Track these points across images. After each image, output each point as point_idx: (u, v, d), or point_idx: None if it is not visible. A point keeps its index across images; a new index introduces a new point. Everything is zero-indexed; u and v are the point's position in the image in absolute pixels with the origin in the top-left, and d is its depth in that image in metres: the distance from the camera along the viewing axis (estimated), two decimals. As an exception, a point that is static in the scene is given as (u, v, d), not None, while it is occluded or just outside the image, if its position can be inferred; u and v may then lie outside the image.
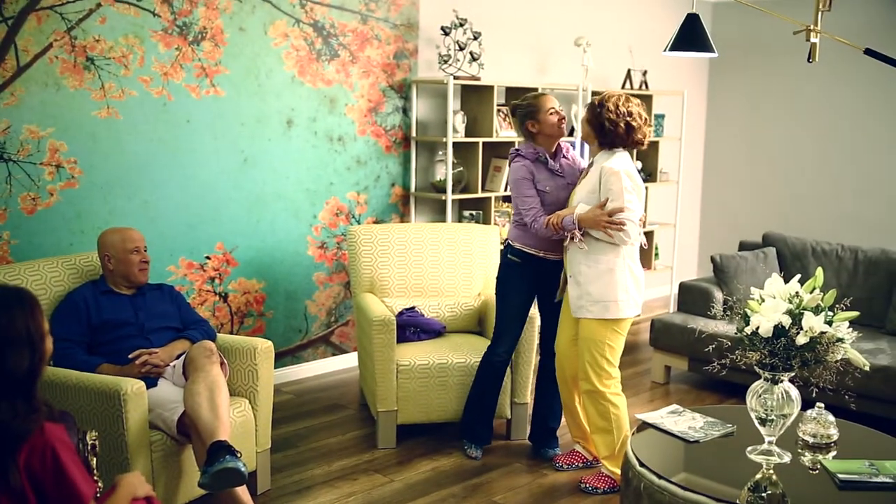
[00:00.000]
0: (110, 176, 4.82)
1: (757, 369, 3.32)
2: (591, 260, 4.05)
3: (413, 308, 5.06)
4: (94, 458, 2.76)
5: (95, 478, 2.73)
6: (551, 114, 4.30)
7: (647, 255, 7.78)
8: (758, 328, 3.21)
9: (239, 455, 3.39)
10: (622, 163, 4.04)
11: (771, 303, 3.23)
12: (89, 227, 4.72)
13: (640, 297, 4.16)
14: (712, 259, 5.97)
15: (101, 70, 4.71)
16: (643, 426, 3.79)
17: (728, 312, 3.46)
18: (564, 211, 4.12)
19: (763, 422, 3.38)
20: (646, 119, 4.12)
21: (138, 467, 3.45)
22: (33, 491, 2.22)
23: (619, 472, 4.04)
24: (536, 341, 4.71)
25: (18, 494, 2.20)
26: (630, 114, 4.06)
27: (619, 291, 4.03)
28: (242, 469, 3.35)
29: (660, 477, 3.22)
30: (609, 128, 4.04)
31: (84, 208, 4.74)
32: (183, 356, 3.88)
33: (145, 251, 4.09)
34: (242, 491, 3.55)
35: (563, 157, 4.38)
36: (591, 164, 4.21)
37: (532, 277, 4.41)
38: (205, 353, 3.75)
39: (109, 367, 3.75)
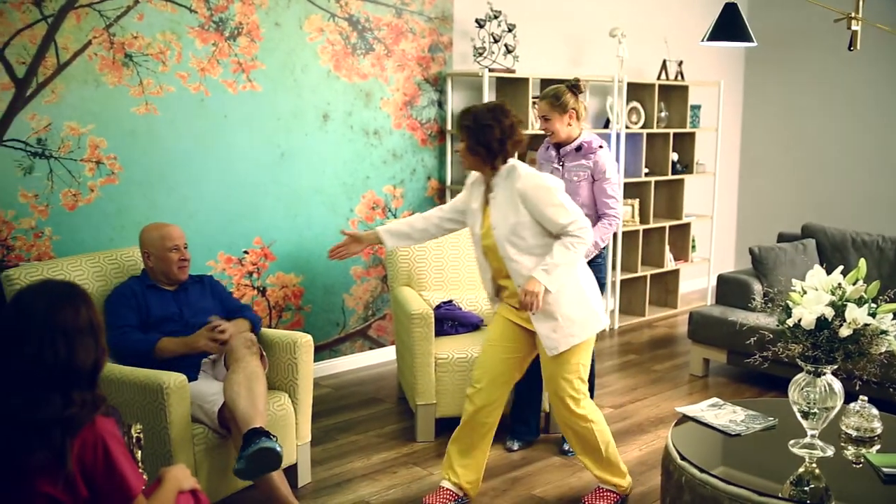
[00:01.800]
0: (149, 172, 4.86)
1: (799, 362, 3.29)
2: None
3: (450, 301, 5.07)
4: (139, 451, 2.79)
5: (140, 470, 2.76)
6: (539, 118, 4.42)
7: (683, 248, 7.73)
8: (800, 320, 3.18)
9: (275, 438, 3.40)
10: (530, 171, 3.64)
11: (813, 294, 3.20)
12: (130, 223, 4.76)
13: (600, 303, 3.80)
14: (751, 251, 5.92)
15: (139, 66, 4.75)
16: (683, 419, 3.77)
17: (769, 304, 3.43)
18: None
19: (805, 415, 3.35)
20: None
21: (181, 460, 3.48)
22: (84, 482, 2.25)
23: (619, 481, 3.95)
24: None
25: (71, 485, 2.23)
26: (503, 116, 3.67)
27: (580, 310, 3.66)
28: (278, 449, 3.36)
29: (702, 471, 3.21)
30: (497, 142, 3.61)
31: (124, 204, 4.78)
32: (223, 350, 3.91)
33: (185, 249, 4.10)
34: (282, 482, 3.58)
35: (579, 149, 4.36)
36: (487, 192, 3.73)
37: None
38: (245, 343, 3.78)
39: (170, 341, 3.79)
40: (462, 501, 3.94)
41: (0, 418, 2.23)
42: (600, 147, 4.38)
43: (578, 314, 3.66)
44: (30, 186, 4.47)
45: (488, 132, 3.59)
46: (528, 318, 3.68)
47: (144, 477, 2.72)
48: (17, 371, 2.24)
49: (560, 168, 4.43)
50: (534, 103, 6.32)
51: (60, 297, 2.31)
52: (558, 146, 4.45)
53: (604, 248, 4.49)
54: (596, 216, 4.41)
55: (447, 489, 3.92)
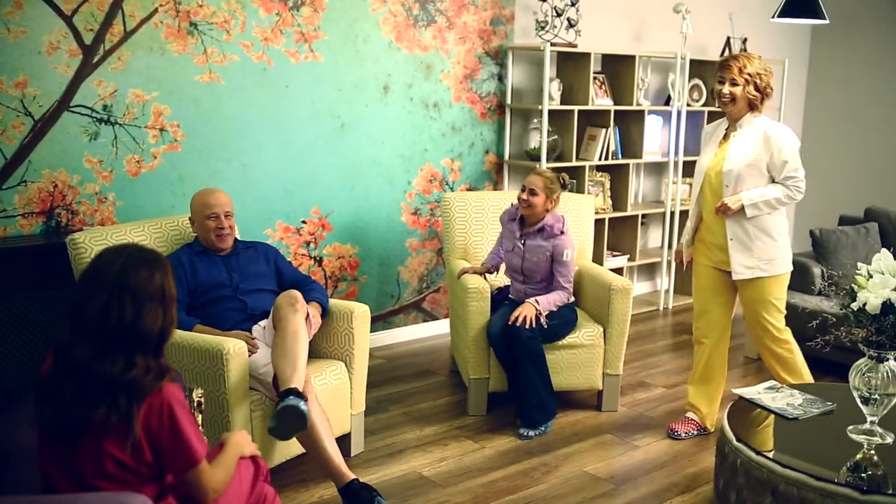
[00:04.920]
0: (211, 140, 4.91)
1: (862, 347, 3.25)
2: (758, 220, 4.15)
3: (508, 286, 5.01)
4: (200, 415, 2.83)
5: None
6: (522, 191, 4.61)
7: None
8: (865, 304, 3.13)
9: (304, 398, 3.43)
10: (781, 125, 4.21)
11: (879, 279, 3.16)
12: (191, 190, 4.80)
13: (789, 250, 4.29)
14: (812, 233, 5.83)
15: (203, 35, 4.78)
16: (739, 401, 3.74)
17: (834, 288, 3.39)
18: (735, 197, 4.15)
19: (866, 401, 3.32)
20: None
21: (238, 425, 3.54)
22: (149, 446, 2.29)
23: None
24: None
25: (137, 448, 2.26)
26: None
27: (786, 247, 4.21)
28: (302, 407, 3.37)
29: (758, 453, 3.19)
30: (765, 89, 4.14)
31: (186, 171, 4.84)
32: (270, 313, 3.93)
33: (226, 217, 4.05)
34: (335, 452, 3.59)
35: (541, 231, 4.59)
36: (727, 130, 4.27)
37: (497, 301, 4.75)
38: (289, 301, 3.77)
39: (204, 328, 3.81)
40: (704, 432, 4.52)
41: (69, 367, 2.27)
42: (562, 232, 4.59)
43: (770, 253, 4.17)
44: (95, 152, 4.54)
45: (765, 79, 4.10)
46: (721, 260, 4.27)
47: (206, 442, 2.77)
48: (86, 322, 2.27)
49: (521, 245, 4.65)
50: (594, 79, 6.27)
51: (138, 259, 2.33)
52: (522, 221, 4.68)
53: (571, 303, 4.71)
54: (551, 286, 4.65)
55: (691, 419, 4.56)
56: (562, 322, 4.61)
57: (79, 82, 4.44)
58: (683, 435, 4.47)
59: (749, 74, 4.06)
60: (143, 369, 2.27)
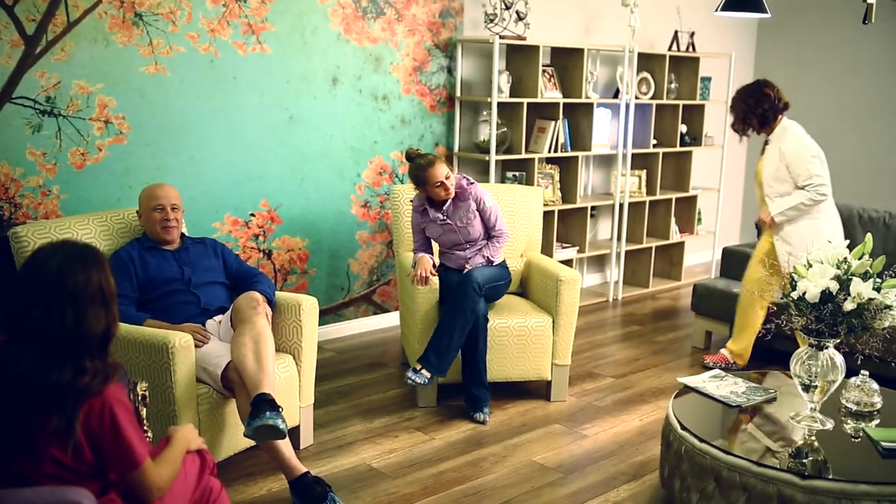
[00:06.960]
0: (158, 132, 4.86)
1: (802, 335, 3.31)
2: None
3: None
4: (144, 409, 2.81)
5: (145, 428, 2.79)
6: (437, 187, 4.63)
7: (689, 221, 7.72)
8: (805, 293, 3.19)
9: (280, 410, 3.43)
10: (797, 137, 5.03)
11: (819, 268, 3.22)
12: (137, 183, 4.77)
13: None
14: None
15: (149, 26, 4.73)
16: (684, 390, 3.79)
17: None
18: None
19: (806, 388, 3.38)
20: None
21: (186, 419, 3.51)
22: (90, 448, 2.26)
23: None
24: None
25: (78, 450, 2.23)
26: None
27: (810, 245, 4.59)
28: (282, 426, 3.38)
29: (701, 440, 3.24)
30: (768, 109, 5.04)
31: (132, 164, 4.79)
32: (229, 310, 3.92)
33: (173, 210, 4.04)
34: (285, 445, 3.59)
35: (456, 197, 4.70)
36: (765, 143, 5.11)
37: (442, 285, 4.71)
38: (251, 303, 3.78)
39: (155, 323, 3.79)
40: (732, 366, 5.29)
41: (13, 379, 2.22)
42: (470, 183, 4.73)
43: (808, 248, 4.39)
44: (38, 144, 4.47)
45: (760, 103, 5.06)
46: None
47: (149, 435, 2.74)
48: (26, 328, 2.23)
49: (450, 220, 4.73)
50: (543, 71, 6.30)
51: (73, 260, 2.26)
52: (434, 203, 4.74)
53: (502, 261, 4.88)
54: (487, 238, 4.82)
55: (723, 354, 5.39)
56: (497, 275, 4.76)
57: (21, 73, 4.37)
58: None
59: None
60: (91, 374, 2.23)
